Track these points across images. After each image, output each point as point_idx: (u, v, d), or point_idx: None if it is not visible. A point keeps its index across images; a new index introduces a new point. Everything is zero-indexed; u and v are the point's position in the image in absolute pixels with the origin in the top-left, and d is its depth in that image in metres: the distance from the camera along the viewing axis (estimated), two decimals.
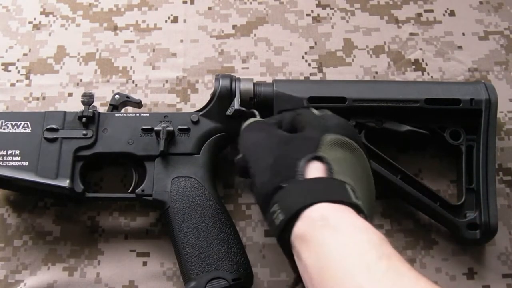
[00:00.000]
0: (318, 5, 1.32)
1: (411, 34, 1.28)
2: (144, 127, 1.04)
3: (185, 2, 1.31)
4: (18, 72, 1.23)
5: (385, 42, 1.27)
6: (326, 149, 0.80)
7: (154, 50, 1.25)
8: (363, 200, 0.76)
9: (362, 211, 0.73)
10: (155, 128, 1.03)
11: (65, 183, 1.00)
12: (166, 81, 1.21)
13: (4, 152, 1.01)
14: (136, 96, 1.12)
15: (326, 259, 0.66)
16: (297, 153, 0.80)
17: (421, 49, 1.26)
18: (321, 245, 0.67)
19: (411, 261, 1.05)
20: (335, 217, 0.70)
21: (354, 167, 0.82)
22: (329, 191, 0.74)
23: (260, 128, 0.91)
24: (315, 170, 0.77)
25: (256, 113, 1.01)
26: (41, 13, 1.30)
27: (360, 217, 0.71)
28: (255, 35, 1.28)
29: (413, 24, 1.29)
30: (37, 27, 1.28)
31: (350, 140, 0.83)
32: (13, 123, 1.03)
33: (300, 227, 0.71)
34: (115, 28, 1.28)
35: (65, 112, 1.05)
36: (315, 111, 0.91)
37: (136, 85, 1.21)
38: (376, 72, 1.23)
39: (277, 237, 0.76)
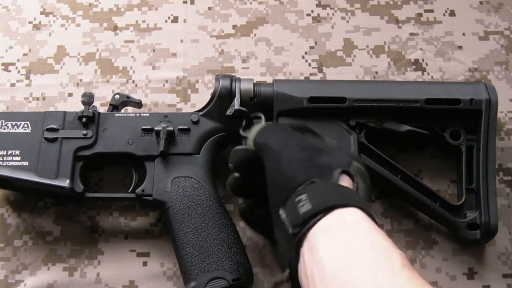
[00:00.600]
0: (318, 5, 1.32)
1: (411, 34, 1.28)
2: (144, 127, 1.04)
3: (185, 2, 1.31)
4: (18, 72, 1.22)
5: (385, 42, 1.27)
6: (354, 171, 0.81)
7: (154, 50, 1.25)
8: None
9: None
10: (155, 128, 1.03)
11: (65, 183, 1.00)
12: (166, 81, 1.21)
13: (4, 152, 1.01)
14: (136, 96, 1.12)
15: (351, 255, 0.65)
16: (332, 162, 0.80)
17: (421, 49, 1.26)
18: (345, 241, 0.67)
19: (411, 261, 1.04)
20: (365, 223, 0.69)
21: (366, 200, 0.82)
22: (361, 203, 0.73)
23: (285, 129, 0.92)
24: (346, 183, 0.77)
25: (262, 116, 1.00)
26: (41, 13, 1.30)
27: None
28: (255, 35, 1.28)
29: (413, 24, 1.30)
30: (37, 27, 1.28)
31: (367, 174, 0.85)
32: (13, 123, 1.03)
33: (328, 221, 0.70)
34: (115, 28, 1.28)
35: (65, 112, 1.05)
36: None
37: (136, 85, 1.21)
38: (376, 72, 1.23)
39: (292, 227, 0.74)
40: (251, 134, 0.91)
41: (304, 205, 0.73)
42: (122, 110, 1.10)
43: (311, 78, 1.23)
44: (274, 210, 0.80)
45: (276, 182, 0.82)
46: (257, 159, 0.87)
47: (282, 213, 0.77)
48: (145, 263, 1.05)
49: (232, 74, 1.11)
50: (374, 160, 1.03)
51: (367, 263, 0.63)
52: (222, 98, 1.05)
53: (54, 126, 1.03)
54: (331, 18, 1.30)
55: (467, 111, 1.06)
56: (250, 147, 0.90)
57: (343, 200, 0.72)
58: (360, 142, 1.04)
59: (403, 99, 1.05)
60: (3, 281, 1.04)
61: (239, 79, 1.07)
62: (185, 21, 1.29)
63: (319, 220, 0.70)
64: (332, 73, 1.24)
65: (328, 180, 0.76)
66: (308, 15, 1.31)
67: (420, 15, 1.31)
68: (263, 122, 0.96)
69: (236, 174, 0.91)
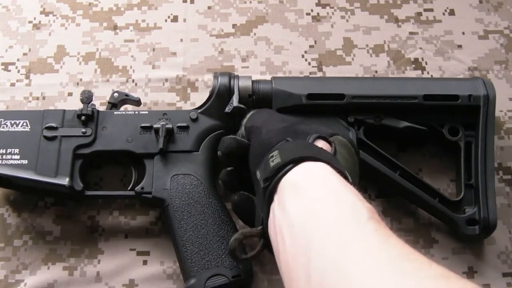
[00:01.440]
0: (318, 4, 1.32)
1: (411, 33, 1.28)
2: (143, 125, 1.04)
3: (185, 1, 1.31)
4: (18, 71, 1.22)
5: (385, 41, 1.27)
6: (334, 140, 0.82)
7: (154, 50, 1.25)
8: None
9: None
10: (154, 126, 1.03)
11: (65, 181, 1.00)
12: (166, 80, 1.21)
13: (4, 151, 1.01)
14: (136, 95, 1.12)
15: (317, 209, 0.66)
16: (309, 130, 0.82)
17: (421, 48, 1.26)
18: (313, 194, 0.68)
19: None
20: (334, 177, 0.70)
21: (351, 170, 0.82)
22: (332, 160, 0.75)
23: (271, 111, 0.97)
24: (322, 145, 0.79)
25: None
26: (41, 12, 1.30)
27: None
28: (255, 34, 1.28)
29: (413, 23, 1.30)
30: (37, 26, 1.28)
31: (352, 150, 0.86)
32: (12, 122, 1.03)
33: (295, 174, 0.72)
34: (115, 28, 1.28)
35: (64, 111, 1.05)
36: None
37: (136, 84, 1.21)
38: (376, 71, 1.23)
39: (263, 181, 0.76)
40: (243, 122, 0.94)
41: (274, 160, 0.75)
42: (121, 108, 1.10)
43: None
44: (254, 177, 0.82)
45: (255, 153, 0.84)
46: (246, 147, 0.89)
47: (258, 173, 0.79)
48: (145, 262, 1.05)
49: (231, 72, 1.11)
50: (372, 156, 1.03)
51: (333, 216, 0.64)
52: (220, 95, 1.05)
53: (53, 125, 1.03)
54: (330, 17, 1.30)
55: (466, 107, 1.06)
56: (243, 132, 0.93)
57: (312, 154, 0.74)
58: (359, 139, 1.04)
59: (401, 95, 1.06)
60: (3, 281, 1.04)
61: (237, 77, 1.07)
62: (185, 20, 1.29)
63: (287, 172, 0.72)
64: (332, 72, 1.24)
65: (302, 140, 0.79)
66: (308, 14, 1.31)
67: (419, 14, 1.31)
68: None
69: (228, 168, 0.93)
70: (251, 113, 0.97)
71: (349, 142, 0.86)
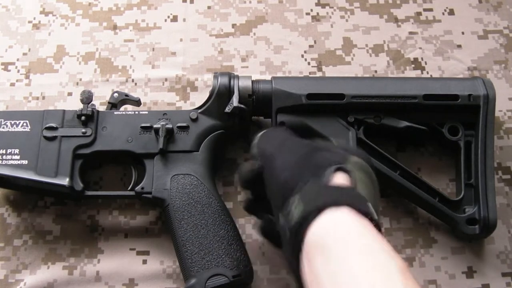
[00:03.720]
0: (317, 4, 1.32)
1: (410, 33, 1.28)
2: (143, 125, 1.04)
3: (184, 1, 1.31)
4: (18, 71, 1.22)
5: (384, 41, 1.27)
6: (352, 167, 0.79)
7: (153, 49, 1.25)
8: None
9: (381, 231, 0.71)
10: (154, 126, 1.03)
11: (65, 181, 1.00)
12: (166, 80, 1.21)
13: (4, 151, 1.01)
14: (135, 95, 1.12)
15: (343, 269, 0.64)
16: (325, 160, 0.79)
17: (420, 48, 1.26)
18: (340, 254, 0.65)
19: (411, 260, 1.05)
20: (360, 225, 0.68)
21: (372, 194, 0.79)
22: (355, 199, 0.72)
23: (281, 132, 0.92)
24: (341, 179, 0.76)
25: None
26: (41, 12, 1.29)
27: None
28: (254, 34, 1.28)
29: (412, 23, 1.29)
30: (36, 26, 1.28)
31: (370, 169, 0.83)
32: (12, 122, 1.04)
33: (320, 228, 0.69)
34: (114, 28, 1.28)
35: (64, 111, 1.05)
36: None
37: (135, 84, 1.21)
38: (376, 71, 1.23)
39: (289, 232, 0.73)
40: (254, 141, 0.92)
41: (297, 207, 0.72)
42: (121, 108, 1.10)
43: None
44: (276, 216, 0.81)
45: (273, 189, 0.82)
46: (261, 174, 0.86)
47: (281, 218, 0.77)
48: (144, 261, 1.05)
49: (231, 72, 1.12)
50: (372, 156, 1.02)
51: (362, 274, 0.62)
52: (220, 95, 1.05)
53: (53, 125, 1.03)
54: (330, 17, 1.30)
55: (465, 106, 1.06)
56: (255, 154, 0.90)
57: (334, 198, 0.71)
58: (359, 138, 1.05)
59: (401, 95, 1.06)
60: (3, 280, 1.04)
61: (237, 77, 1.07)
62: (184, 20, 1.29)
63: (311, 221, 0.69)
64: (332, 72, 1.24)
65: (321, 179, 0.76)
66: (308, 14, 1.31)
67: (419, 14, 1.31)
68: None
69: (249, 196, 0.93)
70: (261, 133, 0.93)
71: (364, 159, 0.83)
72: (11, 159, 1.01)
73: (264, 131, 0.94)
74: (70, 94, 1.20)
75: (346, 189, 0.74)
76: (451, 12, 1.31)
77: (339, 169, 0.77)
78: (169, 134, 1.03)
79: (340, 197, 0.71)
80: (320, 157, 0.80)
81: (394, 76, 1.23)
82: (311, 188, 0.74)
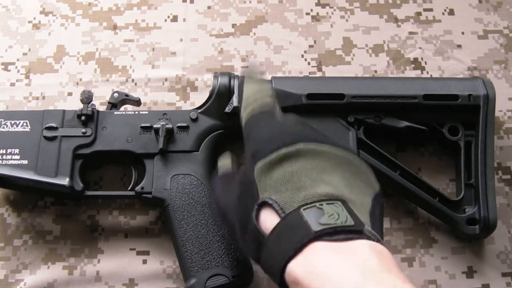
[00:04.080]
0: (317, 4, 1.31)
1: (410, 33, 1.28)
2: (143, 125, 1.04)
3: (184, 1, 1.31)
4: (18, 71, 1.22)
5: (384, 41, 1.27)
6: (262, 180, 0.72)
7: (153, 49, 1.25)
8: (353, 201, 0.69)
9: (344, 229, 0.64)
10: (154, 126, 1.03)
11: (65, 181, 1.00)
12: (166, 80, 1.21)
13: (4, 151, 1.01)
14: (135, 95, 1.12)
15: None
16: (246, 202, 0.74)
17: (420, 48, 1.26)
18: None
19: (410, 260, 1.05)
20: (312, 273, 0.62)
21: (320, 169, 0.72)
22: (293, 238, 0.65)
23: (266, 124, 0.82)
24: (267, 217, 0.70)
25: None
26: (41, 12, 1.29)
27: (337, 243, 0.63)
28: (254, 34, 1.28)
29: (412, 23, 1.29)
30: (36, 26, 1.28)
31: (288, 150, 0.72)
32: (12, 122, 1.03)
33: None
34: (114, 27, 1.28)
35: (64, 111, 1.05)
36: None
37: (135, 84, 1.21)
38: (376, 71, 1.23)
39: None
40: (242, 115, 0.86)
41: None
42: (121, 108, 1.10)
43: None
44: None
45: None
46: None
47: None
48: (144, 261, 1.05)
49: (231, 72, 1.12)
50: (372, 156, 1.04)
51: None
52: (220, 95, 1.05)
53: (53, 125, 1.03)
54: (330, 17, 1.30)
55: (465, 106, 1.06)
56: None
57: (279, 262, 0.65)
58: (359, 139, 1.05)
59: (401, 95, 1.06)
60: (3, 280, 1.04)
61: (237, 76, 1.07)
62: (184, 20, 1.29)
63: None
64: (331, 72, 1.23)
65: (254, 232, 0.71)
66: (308, 14, 1.30)
67: (419, 14, 1.31)
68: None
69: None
70: (250, 113, 0.84)
71: (274, 151, 0.73)
72: (11, 159, 1.01)
73: (253, 111, 0.85)
74: (70, 94, 1.20)
75: (280, 236, 0.67)
76: (451, 12, 1.31)
77: (257, 209, 0.71)
78: (169, 134, 1.03)
79: (282, 255, 0.65)
80: (242, 200, 0.76)
81: (394, 76, 1.23)
82: (266, 257, 0.69)
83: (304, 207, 0.66)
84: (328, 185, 0.69)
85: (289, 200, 0.68)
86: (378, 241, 0.65)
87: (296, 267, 0.63)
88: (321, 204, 0.66)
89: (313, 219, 0.64)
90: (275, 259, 0.66)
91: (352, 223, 0.64)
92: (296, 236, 0.65)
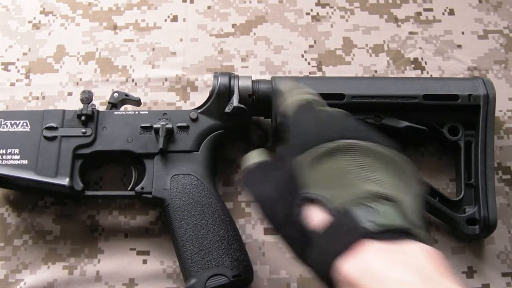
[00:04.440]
0: (317, 4, 1.31)
1: (410, 33, 1.28)
2: (143, 125, 1.04)
3: (184, 1, 1.31)
4: (18, 71, 1.22)
5: (384, 41, 1.27)
6: (307, 174, 0.71)
7: (153, 49, 1.25)
8: (400, 200, 0.67)
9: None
10: (154, 126, 1.03)
11: (65, 181, 1.00)
12: (166, 80, 1.21)
13: (4, 151, 1.01)
14: (135, 95, 1.12)
15: None
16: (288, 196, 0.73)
17: (420, 48, 1.26)
18: None
19: None
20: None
21: (363, 169, 0.70)
22: (343, 236, 0.64)
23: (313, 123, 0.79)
24: (314, 212, 0.69)
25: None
26: (41, 12, 1.30)
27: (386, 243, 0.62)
28: (254, 34, 1.28)
29: (412, 23, 1.29)
30: (36, 26, 1.28)
31: (337, 144, 0.71)
32: (12, 122, 1.04)
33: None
34: (114, 27, 1.28)
35: (64, 111, 1.06)
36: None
37: (135, 83, 1.21)
38: (376, 71, 1.23)
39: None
40: (280, 104, 0.84)
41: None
42: (121, 108, 1.10)
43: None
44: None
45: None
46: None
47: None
48: (145, 261, 1.05)
49: (231, 72, 1.12)
50: None
51: None
52: (220, 95, 1.05)
53: (53, 125, 1.03)
54: (330, 17, 1.30)
55: (465, 106, 1.06)
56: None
57: (327, 260, 0.64)
58: None
59: (401, 95, 1.06)
60: (3, 280, 1.04)
61: (237, 77, 1.07)
62: (184, 20, 1.29)
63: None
64: (332, 72, 1.23)
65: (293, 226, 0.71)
66: (308, 14, 1.30)
67: (419, 14, 1.31)
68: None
69: None
70: (297, 103, 0.82)
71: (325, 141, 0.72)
72: (11, 159, 1.01)
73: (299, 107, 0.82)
74: (70, 94, 1.20)
75: (325, 234, 0.67)
76: (451, 12, 1.31)
77: (300, 204, 0.70)
78: (169, 134, 1.03)
79: (329, 253, 0.65)
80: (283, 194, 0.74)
81: (394, 76, 1.23)
82: (313, 254, 0.69)
83: (354, 205, 0.66)
84: (378, 184, 0.68)
85: (338, 197, 0.68)
86: (427, 243, 0.64)
87: (349, 267, 0.62)
88: (371, 203, 0.65)
89: (364, 218, 0.64)
90: (323, 255, 0.66)
91: (403, 223, 0.64)
92: (346, 233, 0.64)
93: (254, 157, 0.85)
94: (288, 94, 0.85)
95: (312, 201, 0.69)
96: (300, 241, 0.70)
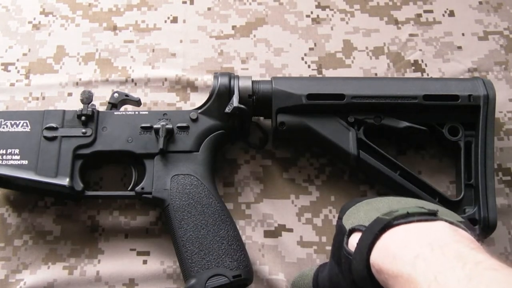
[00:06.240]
0: (317, 6, 1.32)
1: (410, 35, 1.28)
2: (143, 125, 1.04)
3: (184, 3, 1.31)
4: (18, 72, 1.23)
5: (384, 43, 1.27)
6: (350, 219, 0.79)
7: (153, 50, 1.25)
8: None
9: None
10: (154, 126, 1.03)
11: (65, 181, 1.00)
12: (166, 80, 1.21)
13: (4, 151, 1.01)
14: (135, 95, 1.12)
15: None
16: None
17: (420, 50, 1.26)
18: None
19: None
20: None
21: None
22: (370, 233, 0.69)
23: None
24: (354, 239, 0.74)
25: None
26: (41, 13, 1.30)
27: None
28: (254, 36, 1.28)
29: (412, 25, 1.29)
30: (36, 27, 1.28)
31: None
32: (12, 122, 1.04)
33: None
34: (114, 28, 1.28)
35: (64, 111, 1.06)
36: None
37: (135, 84, 1.21)
38: (376, 74, 1.23)
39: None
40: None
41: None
42: (121, 109, 1.10)
43: None
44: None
45: None
46: None
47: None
48: (145, 262, 1.05)
49: (231, 72, 1.12)
50: (373, 156, 1.04)
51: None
52: (220, 95, 1.05)
53: (53, 125, 1.03)
54: (330, 20, 1.30)
55: (465, 107, 1.06)
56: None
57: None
58: (359, 139, 1.05)
59: (401, 95, 1.06)
60: (4, 280, 1.04)
61: (237, 77, 1.07)
62: (184, 21, 1.29)
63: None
64: (332, 75, 1.23)
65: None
66: (308, 16, 1.31)
67: (419, 15, 1.31)
68: None
69: None
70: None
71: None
72: (11, 159, 1.01)
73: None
74: (70, 94, 1.20)
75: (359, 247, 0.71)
76: (451, 14, 1.31)
77: (346, 238, 0.76)
78: (169, 134, 1.03)
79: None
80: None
81: (394, 76, 1.22)
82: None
83: (382, 215, 0.71)
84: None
85: (370, 218, 0.73)
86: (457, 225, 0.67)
87: (376, 256, 0.66)
88: (397, 211, 0.70)
89: (388, 215, 0.70)
90: (359, 259, 0.69)
91: (426, 209, 0.69)
92: (372, 230, 0.69)
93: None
94: None
95: (354, 231, 0.75)
96: (348, 269, 0.73)
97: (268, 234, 1.08)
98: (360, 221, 0.76)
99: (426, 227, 0.66)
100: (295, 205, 1.11)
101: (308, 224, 1.09)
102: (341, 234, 0.77)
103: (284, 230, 1.08)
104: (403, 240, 0.64)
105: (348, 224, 0.78)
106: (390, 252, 0.64)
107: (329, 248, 1.04)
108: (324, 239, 1.08)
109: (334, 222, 1.08)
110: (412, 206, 0.71)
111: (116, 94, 1.09)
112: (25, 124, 1.04)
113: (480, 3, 1.32)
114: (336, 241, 0.80)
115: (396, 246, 0.64)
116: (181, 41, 1.27)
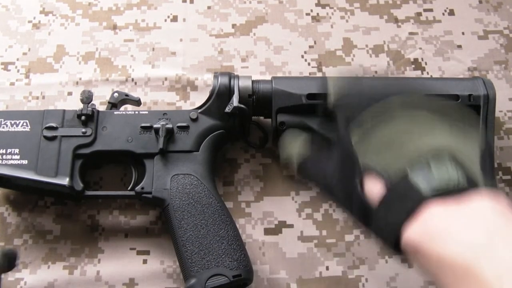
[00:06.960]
0: (317, 4, 1.32)
1: (410, 33, 1.28)
2: (143, 124, 1.04)
3: (184, 1, 1.31)
4: (18, 71, 1.22)
5: (384, 42, 1.27)
6: (361, 148, 0.73)
7: (153, 49, 1.25)
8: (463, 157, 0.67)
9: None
10: (154, 126, 1.03)
11: (65, 181, 1.00)
12: (166, 79, 1.21)
13: (4, 151, 1.01)
14: (135, 94, 1.12)
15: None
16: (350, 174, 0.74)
17: (420, 49, 1.26)
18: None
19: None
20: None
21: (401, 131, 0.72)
22: (404, 204, 0.65)
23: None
24: (373, 184, 0.70)
25: None
26: (41, 12, 1.29)
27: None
28: (254, 34, 1.28)
29: (412, 23, 1.29)
30: (36, 26, 1.28)
31: (381, 106, 0.74)
32: (12, 122, 1.03)
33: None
34: (114, 27, 1.28)
35: (64, 110, 1.05)
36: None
37: (135, 83, 1.21)
38: (376, 72, 1.23)
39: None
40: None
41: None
42: (121, 108, 1.10)
43: None
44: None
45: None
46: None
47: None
48: (145, 261, 1.05)
49: (231, 72, 1.12)
50: None
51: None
52: (220, 95, 1.05)
53: (53, 125, 1.03)
54: (330, 18, 1.30)
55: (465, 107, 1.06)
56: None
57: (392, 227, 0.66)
58: None
59: None
60: (3, 279, 1.03)
61: (237, 77, 1.07)
62: (184, 20, 1.29)
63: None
64: (332, 73, 1.23)
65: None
66: (308, 14, 1.30)
67: (419, 14, 1.31)
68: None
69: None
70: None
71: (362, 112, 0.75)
72: (11, 159, 1.01)
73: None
74: (70, 94, 1.20)
75: (383, 206, 0.68)
76: (451, 13, 1.31)
77: (359, 180, 0.72)
78: (169, 134, 1.03)
79: (394, 220, 0.66)
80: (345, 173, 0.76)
81: (394, 76, 1.23)
82: (378, 221, 0.70)
83: (411, 168, 0.66)
84: (432, 138, 0.69)
85: (393, 163, 0.68)
86: (493, 194, 0.64)
87: (413, 234, 0.63)
88: (428, 162, 0.65)
89: (422, 180, 0.65)
90: (387, 227, 0.67)
91: (465, 179, 0.64)
92: (407, 201, 0.65)
93: (299, 146, 0.87)
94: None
95: (370, 172, 0.70)
96: (364, 217, 0.71)
97: (268, 231, 1.08)
98: (380, 160, 0.70)
99: (471, 204, 0.62)
100: (295, 201, 1.11)
101: (309, 219, 1.09)
102: (351, 162, 0.73)
103: (284, 226, 1.08)
104: (449, 219, 0.61)
105: (361, 153, 0.72)
106: (433, 232, 0.61)
107: (329, 241, 1.05)
108: (324, 232, 1.08)
109: (334, 217, 1.09)
110: (448, 167, 0.65)
111: (116, 94, 1.09)
112: (25, 124, 1.03)
113: (480, 2, 1.32)
114: (345, 168, 0.75)
115: (442, 226, 0.61)
116: (181, 40, 1.26)
